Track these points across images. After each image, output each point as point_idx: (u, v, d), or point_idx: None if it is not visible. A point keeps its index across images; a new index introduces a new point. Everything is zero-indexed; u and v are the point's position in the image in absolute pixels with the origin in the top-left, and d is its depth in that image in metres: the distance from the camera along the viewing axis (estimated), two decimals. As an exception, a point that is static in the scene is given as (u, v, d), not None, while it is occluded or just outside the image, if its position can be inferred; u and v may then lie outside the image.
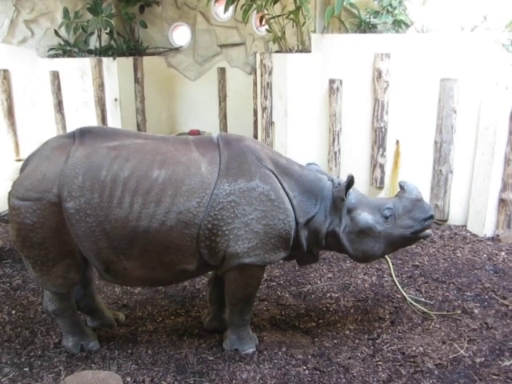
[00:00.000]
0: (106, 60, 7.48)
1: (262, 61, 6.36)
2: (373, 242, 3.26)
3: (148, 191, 2.94)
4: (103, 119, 7.62)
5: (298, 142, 6.20)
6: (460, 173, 5.58)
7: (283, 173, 3.18)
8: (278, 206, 3.08)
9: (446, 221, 5.71)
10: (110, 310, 3.91)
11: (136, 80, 8.13)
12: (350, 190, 3.22)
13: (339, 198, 3.18)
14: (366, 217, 3.22)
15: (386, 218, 3.24)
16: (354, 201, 3.24)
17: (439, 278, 4.44)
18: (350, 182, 3.14)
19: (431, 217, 3.33)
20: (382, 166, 5.82)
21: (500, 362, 3.28)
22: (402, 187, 3.36)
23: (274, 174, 3.13)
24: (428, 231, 3.38)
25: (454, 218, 5.69)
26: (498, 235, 5.19)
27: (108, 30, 7.71)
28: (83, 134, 3.12)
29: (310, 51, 6.09)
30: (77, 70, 7.46)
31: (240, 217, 3.01)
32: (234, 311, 3.35)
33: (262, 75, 6.42)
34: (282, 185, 3.14)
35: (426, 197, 5.63)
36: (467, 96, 5.39)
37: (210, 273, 3.64)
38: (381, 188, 5.91)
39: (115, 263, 3.06)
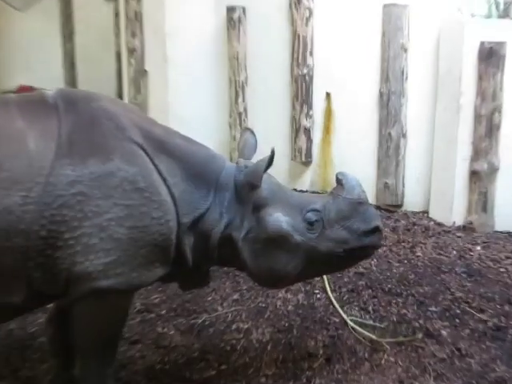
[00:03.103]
0: None
1: (125, -21, 6.25)
2: (286, 257, 3.21)
3: None
4: None
5: (184, 100, 6.20)
6: (416, 136, 5.79)
7: (158, 148, 3.12)
8: (151, 198, 3.00)
9: (400, 206, 5.89)
10: None
11: None
12: (265, 176, 3.18)
13: (249, 186, 3.15)
14: (279, 219, 3.18)
15: (311, 224, 3.21)
16: (265, 193, 3.20)
17: (392, 288, 4.55)
18: (271, 158, 3.08)
19: (376, 229, 3.27)
20: (307, 132, 5.91)
21: (479, 404, 3.43)
22: (338, 181, 3.30)
23: (143, 150, 3.05)
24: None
25: (411, 200, 5.90)
26: (470, 223, 5.43)
27: None
28: None
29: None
30: None
31: (92, 217, 2.91)
32: (89, 362, 3.25)
33: (127, 1, 6.37)
34: (156, 166, 3.07)
35: (372, 173, 5.78)
36: (421, 28, 5.58)
37: (49, 306, 3.47)
38: (307, 163, 6.00)
39: None
